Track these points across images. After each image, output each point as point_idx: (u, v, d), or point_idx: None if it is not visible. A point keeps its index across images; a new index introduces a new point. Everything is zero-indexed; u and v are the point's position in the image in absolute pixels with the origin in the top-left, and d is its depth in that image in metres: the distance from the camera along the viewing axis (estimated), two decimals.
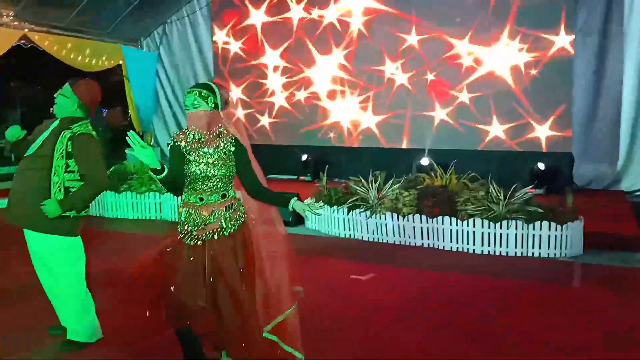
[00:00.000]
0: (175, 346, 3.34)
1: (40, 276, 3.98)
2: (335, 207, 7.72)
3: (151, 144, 15.23)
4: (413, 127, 11.58)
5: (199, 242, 3.18)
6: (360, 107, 12.18)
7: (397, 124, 11.73)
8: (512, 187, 6.90)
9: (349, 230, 7.64)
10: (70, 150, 3.79)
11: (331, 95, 12.53)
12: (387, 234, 7.32)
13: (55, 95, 3.93)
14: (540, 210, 6.69)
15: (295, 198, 3.31)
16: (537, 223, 6.60)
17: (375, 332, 4.39)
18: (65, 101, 3.89)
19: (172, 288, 3.13)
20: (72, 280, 3.91)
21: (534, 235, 6.61)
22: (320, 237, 7.71)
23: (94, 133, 3.93)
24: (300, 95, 12.86)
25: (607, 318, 4.65)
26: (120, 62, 13.91)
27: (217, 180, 3.22)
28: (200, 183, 3.21)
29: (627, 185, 10.21)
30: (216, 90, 3.23)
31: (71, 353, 3.92)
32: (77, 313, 3.95)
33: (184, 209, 3.26)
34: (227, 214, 3.25)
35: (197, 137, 3.22)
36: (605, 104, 10.26)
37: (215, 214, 3.21)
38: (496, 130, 10.77)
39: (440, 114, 11.28)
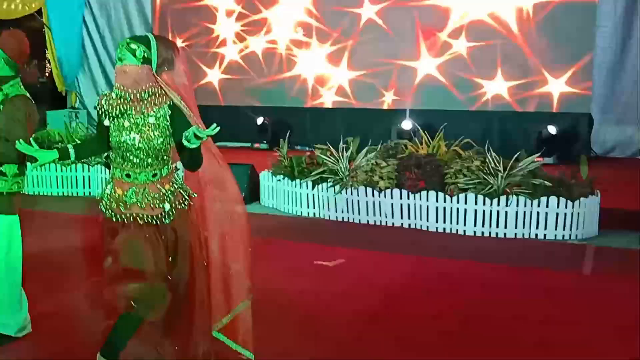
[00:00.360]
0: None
1: None
2: (298, 180, 7.65)
3: (75, 105, 14.94)
4: (395, 84, 11.46)
5: (126, 222, 3.20)
6: (330, 59, 12.04)
7: (375, 80, 11.58)
8: (515, 156, 6.87)
9: (314, 207, 7.59)
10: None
11: (295, 44, 12.35)
12: (359, 212, 7.29)
13: None
14: (548, 183, 6.70)
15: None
16: (544, 199, 6.61)
17: (342, 327, 4.32)
18: None
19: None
20: (10, 265, 3.99)
21: (539, 213, 6.62)
22: (279, 217, 7.66)
23: (26, 93, 3.99)
24: (257, 44, 12.65)
25: (624, 311, 4.63)
26: (41, 6, 13.65)
27: (144, 153, 3.16)
28: (123, 155, 3.20)
29: None
30: (152, 42, 3.16)
31: None
32: (10, 304, 4.04)
33: (110, 183, 3.27)
34: (161, 195, 3.20)
35: (122, 99, 3.16)
36: (635, 54, 10.22)
37: (143, 197, 3.18)
38: (498, 86, 10.70)
39: (428, 66, 11.18)
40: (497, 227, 6.68)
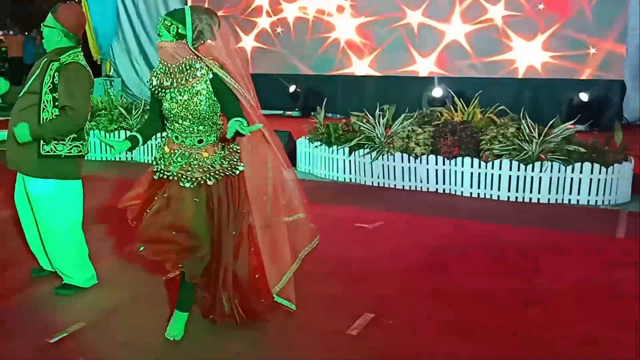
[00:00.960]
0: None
1: (25, 221, 4.39)
2: (335, 147, 7.81)
3: (110, 73, 15.16)
4: (426, 49, 11.48)
5: (170, 180, 3.43)
6: (362, 26, 12.04)
7: (405, 46, 11.62)
8: (549, 123, 6.97)
9: (350, 173, 7.78)
10: (57, 82, 4.04)
11: (327, 13, 12.42)
12: (395, 177, 7.46)
13: (41, 30, 4.23)
14: (582, 149, 6.81)
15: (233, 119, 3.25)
16: (578, 165, 6.73)
17: (385, 282, 4.54)
18: (49, 32, 4.17)
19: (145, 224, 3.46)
20: (72, 225, 4.30)
21: (572, 179, 6.75)
22: (316, 182, 7.85)
23: (83, 62, 4.17)
24: (290, 12, 12.73)
25: None
26: None
27: (189, 121, 3.39)
28: (171, 122, 3.44)
29: None
30: (187, 16, 3.33)
31: (67, 297, 4.29)
32: (74, 259, 4.34)
33: (163, 143, 3.52)
34: (213, 158, 3.44)
35: (165, 72, 3.41)
36: None
37: (188, 160, 3.42)
38: (531, 54, 10.62)
39: (458, 32, 11.15)
40: (531, 192, 6.81)
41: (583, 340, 3.69)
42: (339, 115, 11.28)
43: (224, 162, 3.45)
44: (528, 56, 10.72)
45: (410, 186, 7.36)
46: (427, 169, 7.24)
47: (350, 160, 7.70)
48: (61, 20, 4.12)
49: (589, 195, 6.72)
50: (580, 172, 6.70)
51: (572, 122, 7.45)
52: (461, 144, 7.09)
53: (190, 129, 3.39)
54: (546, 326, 3.86)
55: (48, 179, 4.12)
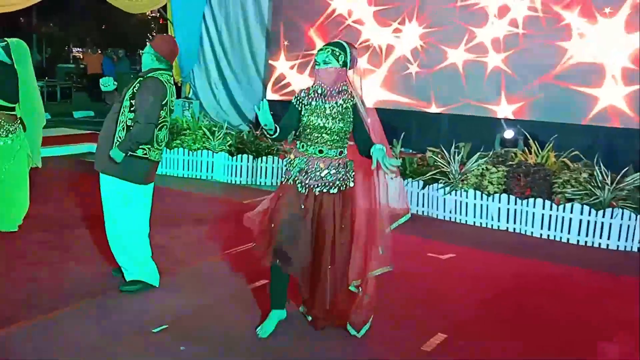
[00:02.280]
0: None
1: (107, 219, 4.83)
2: (410, 179, 8.13)
3: (189, 95, 15.85)
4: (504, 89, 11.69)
5: (311, 192, 4.05)
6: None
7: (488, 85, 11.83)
8: (623, 171, 7.16)
9: (423, 206, 8.10)
10: (136, 91, 4.66)
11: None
12: (467, 213, 7.74)
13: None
14: None
15: (379, 147, 3.86)
16: None
17: (455, 308, 4.90)
18: (145, 57, 4.82)
19: (273, 225, 4.02)
20: (134, 225, 4.80)
21: None
22: None
23: (164, 79, 4.72)
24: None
25: None
26: (166, 2, 14.48)
27: (334, 134, 4.04)
28: (317, 135, 4.05)
29: None
30: (347, 49, 4.03)
31: (132, 293, 4.84)
32: (135, 257, 4.86)
33: (301, 157, 4.08)
34: (342, 170, 4.06)
35: (319, 92, 4.06)
36: None
37: (331, 169, 4.04)
38: (608, 99, 10.64)
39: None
40: (601, 237, 6.98)
41: None
42: (410, 150, 11.59)
43: (351, 170, 4.12)
44: (603, 103, 10.79)
45: (481, 223, 7.62)
46: (499, 207, 7.50)
47: (424, 193, 8.03)
48: (155, 47, 4.77)
49: None
50: None
51: None
52: (534, 185, 7.34)
53: (334, 140, 4.03)
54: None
55: (114, 177, 4.65)
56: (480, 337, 4.43)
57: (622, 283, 5.83)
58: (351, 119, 4.05)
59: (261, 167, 9.64)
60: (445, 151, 8.13)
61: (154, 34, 28.39)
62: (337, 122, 4.00)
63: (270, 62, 14.58)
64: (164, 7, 14.98)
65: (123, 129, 4.62)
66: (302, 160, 4.08)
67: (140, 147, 4.63)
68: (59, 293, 4.82)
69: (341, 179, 4.05)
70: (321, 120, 4.02)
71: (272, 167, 9.61)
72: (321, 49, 4.04)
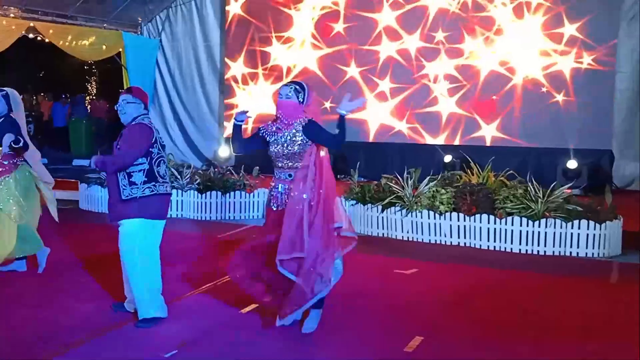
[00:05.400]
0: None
1: (129, 264, 5.11)
2: (369, 205, 8.87)
3: None
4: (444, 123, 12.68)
5: (281, 209, 4.86)
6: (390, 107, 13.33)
7: (426, 120, 12.80)
8: (551, 185, 8.08)
9: (383, 228, 8.80)
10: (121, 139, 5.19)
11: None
12: (422, 232, 8.48)
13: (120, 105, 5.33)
14: (579, 208, 7.86)
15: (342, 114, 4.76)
16: (577, 222, 7.75)
17: (424, 314, 5.58)
18: (129, 106, 5.21)
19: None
20: (145, 261, 5.10)
21: (572, 234, 7.77)
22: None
23: (147, 121, 5.17)
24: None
25: None
26: (120, 49, 14.89)
27: (296, 156, 4.79)
28: (281, 160, 4.85)
29: None
30: (306, 89, 4.90)
31: (147, 329, 5.08)
32: (145, 292, 5.10)
33: (280, 184, 4.92)
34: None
35: (279, 123, 4.86)
36: None
37: (297, 186, 4.83)
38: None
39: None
40: (539, 245, 7.83)
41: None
42: (363, 178, 12.33)
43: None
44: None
45: (436, 240, 8.36)
46: (451, 225, 8.28)
47: (382, 217, 8.74)
48: (137, 96, 5.19)
49: (586, 248, 7.71)
50: (579, 228, 7.70)
51: (568, 186, 8.45)
52: (478, 203, 8.17)
53: (295, 163, 4.78)
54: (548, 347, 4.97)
55: (133, 219, 4.96)
56: (452, 337, 5.09)
57: (560, 283, 6.68)
58: (306, 141, 4.77)
59: (229, 202, 10.12)
60: (399, 177, 8.88)
61: (95, 78, 28.59)
62: (292, 147, 4.77)
63: (225, 101, 15.17)
64: (119, 54, 15.40)
65: (124, 177, 5.01)
66: (281, 185, 4.92)
67: (147, 187, 5.00)
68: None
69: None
70: (279, 149, 4.84)
71: (240, 202, 10.13)
72: (285, 84, 4.87)
